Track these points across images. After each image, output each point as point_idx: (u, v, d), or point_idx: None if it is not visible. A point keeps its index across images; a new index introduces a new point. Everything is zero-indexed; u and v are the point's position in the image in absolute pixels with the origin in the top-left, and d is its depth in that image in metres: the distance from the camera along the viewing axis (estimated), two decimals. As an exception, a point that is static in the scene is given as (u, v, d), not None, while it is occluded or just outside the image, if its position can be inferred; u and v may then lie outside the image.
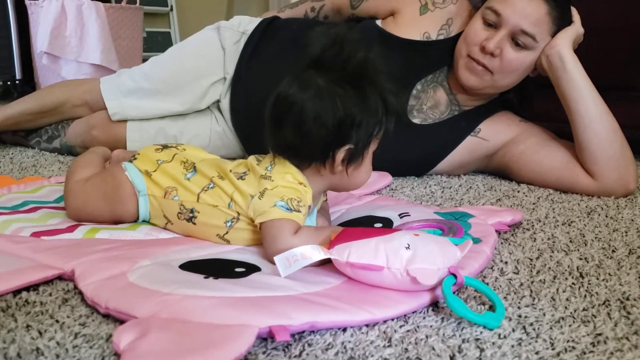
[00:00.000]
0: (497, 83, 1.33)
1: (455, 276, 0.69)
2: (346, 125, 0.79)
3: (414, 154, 1.41)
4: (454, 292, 0.69)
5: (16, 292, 0.71)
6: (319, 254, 0.71)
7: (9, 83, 2.92)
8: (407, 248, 0.69)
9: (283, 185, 0.82)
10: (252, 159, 0.87)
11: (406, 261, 0.68)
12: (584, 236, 0.99)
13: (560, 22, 1.27)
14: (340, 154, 0.81)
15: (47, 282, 0.74)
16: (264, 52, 1.52)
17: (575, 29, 1.28)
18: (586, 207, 1.18)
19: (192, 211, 0.87)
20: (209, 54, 1.54)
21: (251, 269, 0.76)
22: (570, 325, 0.67)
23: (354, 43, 0.80)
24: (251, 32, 1.55)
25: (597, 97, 1.25)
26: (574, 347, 0.62)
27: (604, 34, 1.50)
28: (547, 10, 1.24)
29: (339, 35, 0.80)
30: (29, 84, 2.87)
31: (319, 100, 0.79)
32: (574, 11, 1.29)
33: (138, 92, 1.53)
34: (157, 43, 3.68)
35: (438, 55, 1.41)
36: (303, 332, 0.63)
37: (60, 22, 2.53)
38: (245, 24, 1.58)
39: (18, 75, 2.88)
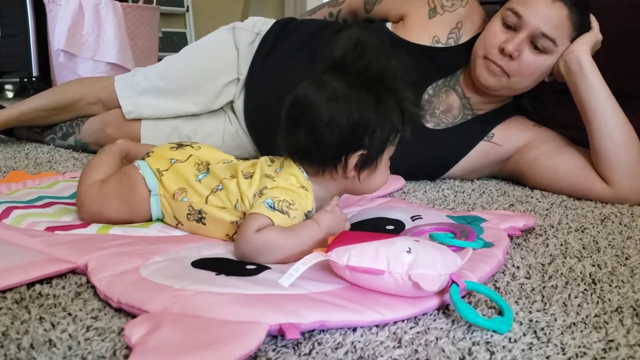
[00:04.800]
0: (513, 86, 1.33)
1: (457, 283, 0.69)
2: (360, 131, 0.79)
3: (427, 159, 1.40)
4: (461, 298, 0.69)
5: (30, 285, 0.72)
6: (317, 257, 0.70)
7: (25, 80, 2.95)
8: (409, 252, 0.68)
9: (282, 187, 0.82)
10: (264, 159, 0.88)
11: (407, 266, 0.67)
12: (597, 243, 0.98)
13: (580, 27, 1.26)
14: (353, 160, 0.81)
15: (61, 275, 0.75)
16: (278, 53, 1.52)
17: (594, 35, 1.27)
18: (600, 214, 1.18)
19: (200, 212, 0.87)
20: (223, 55, 1.55)
21: (262, 266, 0.76)
22: (581, 331, 0.66)
23: (376, 49, 0.79)
24: (265, 33, 1.55)
25: (615, 103, 1.25)
26: (585, 353, 0.62)
27: (619, 40, 1.48)
28: (567, 14, 1.24)
29: (361, 39, 0.80)
30: (45, 81, 2.90)
31: (334, 103, 0.79)
32: (593, 18, 1.29)
33: (152, 91, 1.54)
34: (172, 43, 3.71)
35: (449, 61, 1.41)
36: (313, 330, 0.63)
37: (77, 21, 2.55)
38: (260, 24, 1.58)
39: (34, 73, 2.91)
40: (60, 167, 1.42)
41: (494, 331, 0.65)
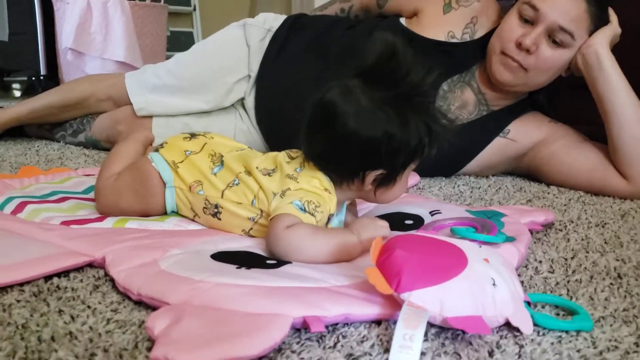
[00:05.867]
0: (530, 81, 1.31)
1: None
2: (381, 150, 0.76)
3: (442, 155, 1.38)
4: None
5: (47, 278, 0.71)
6: (413, 310, 0.59)
7: (33, 78, 2.95)
8: (494, 285, 0.63)
9: (306, 189, 0.80)
10: (283, 155, 0.86)
11: (499, 306, 0.61)
12: (619, 238, 0.97)
13: (598, 20, 1.24)
14: (371, 177, 0.80)
15: (77, 269, 0.74)
16: (289, 50, 1.51)
17: (613, 29, 1.25)
18: (619, 209, 1.16)
19: (216, 207, 0.86)
20: (234, 52, 1.53)
21: (282, 261, 0.75)
22: (611, 325, 0.65)
23: (412, 62, 0.75)
24: (277, 30, 1.54)
25: (634, 98, 1.23)
26: (616, 347, 0.60)
27: (635, 35, 1.47)
28: (586, 7, 1.21)
29: (398, 49, 0.75)
30: (53, 79, 2.90)
31: (359, 119, 0.76)
32: (611, 11, 1.27)
33: (162, 88, 1.53)
34: (179, 42, 3.70)
35: (464, 57, 1.39)
36: (337, 324, 0.62)
37: (85, 19, 2.55)
38: (271, 21, 1.57)
39: (42, 71, 2.91)
40: (71, 164, 1.41)
41: (577, 331, 0.63)
